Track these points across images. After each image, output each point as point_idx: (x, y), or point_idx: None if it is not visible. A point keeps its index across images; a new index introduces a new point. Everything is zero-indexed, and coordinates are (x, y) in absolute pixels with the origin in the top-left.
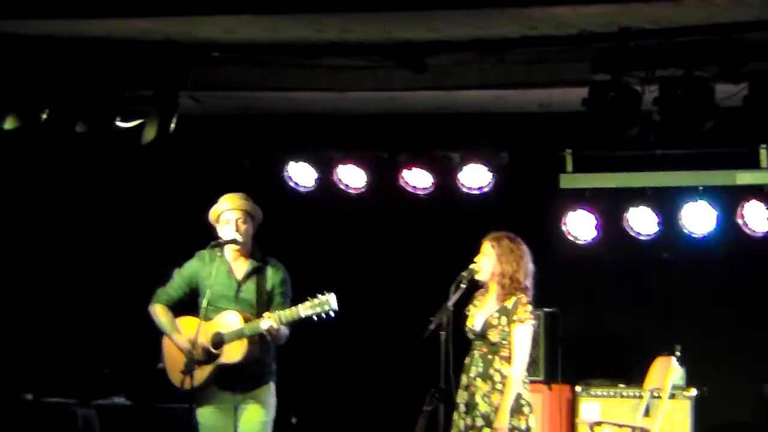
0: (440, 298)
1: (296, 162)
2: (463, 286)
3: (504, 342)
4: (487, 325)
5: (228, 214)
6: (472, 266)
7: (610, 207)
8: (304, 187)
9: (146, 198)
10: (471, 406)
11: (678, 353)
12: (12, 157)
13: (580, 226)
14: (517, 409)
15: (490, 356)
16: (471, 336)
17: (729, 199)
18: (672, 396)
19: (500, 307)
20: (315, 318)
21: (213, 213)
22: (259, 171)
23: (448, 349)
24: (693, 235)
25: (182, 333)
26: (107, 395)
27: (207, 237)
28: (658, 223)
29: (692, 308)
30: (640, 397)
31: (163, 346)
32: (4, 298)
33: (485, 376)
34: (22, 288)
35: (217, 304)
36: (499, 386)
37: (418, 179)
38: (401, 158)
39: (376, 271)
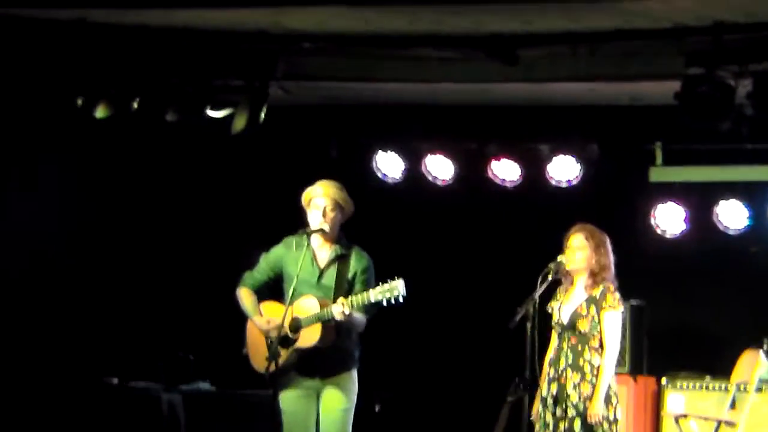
0: (527, 289)
1: (384, 152)
2: (550, 277)
3: (594, 332)
4: (576, 316)
5: (318, 200)
6: (560, 258)
7: (699, 201)
8: (392, 177)
9: (235, 187)
10: (560, 398)
11: (766, 347)
12: (104, 145)
13: (669, 219)
14: (606, 398)
15: (579, 347)
16: (558, 330)
17: None
18: (759, 389)
19: (588, 296)
20: (384, 303)
21: (305, 196)
22: (347, 161)
23: (534, 339)
24: None
25: (264, 317)
26: (192, 381)
27: (293, 225)
28: (748, 218)
29: None
30: (727, 390)
31: (246, 331)
32: (93, 284)
33: (575, 367)
34: (111, 274)
35: (300, 290)
36: (589, 377)
37: (506, 171)
38: (490, 149)
39: (463, 262)
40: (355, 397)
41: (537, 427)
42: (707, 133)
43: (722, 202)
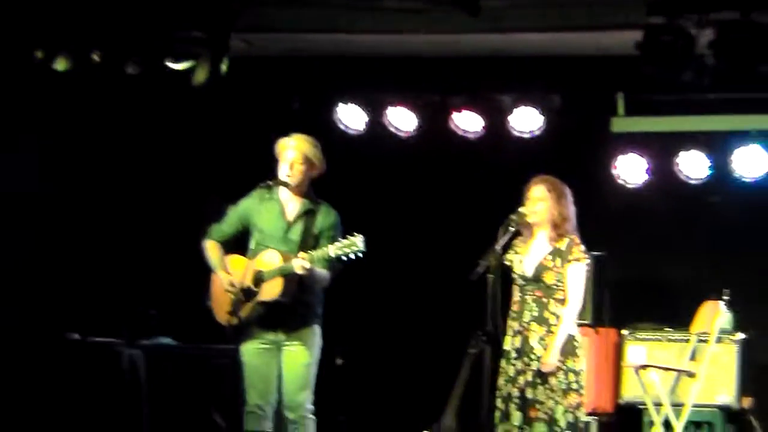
0: (489, 241)
1: (346, 104)
2: (512, 229)
3: (559, 284)
4: (541, 268)
5: (289, 153)
6: (521, 210)
7: (661, 151)
8: (354, 129)
9: (197, 139)
10: (524, 351)
11: (726, 297)
12: (64, 98)
13: (631, 169)
14: (571, 351)
15: (545, 299)
16: (521, 282)
17: None
18: (719, 340)
19: (553, 249)
20: (344, 258)
21: (278, 147)
22: (309, 113)
23: (496, 292)
24: (744, 180)
25: (230, 270)
26: (153, 335)
27: (255, 178)
28: (710, 167)
29: (741, 252)
30: (687, 341)
31: (211, 284)
32: (52, 238)
33: (540, 320)
34: (70, 228)
35: (266, 244)
36: (554, 329)
37: (469, 122)
38: (452, 101)
39: (425, 213)
40: (319, 351)
41: (500, 381)
42: (669, 83)
43: (684, 153)
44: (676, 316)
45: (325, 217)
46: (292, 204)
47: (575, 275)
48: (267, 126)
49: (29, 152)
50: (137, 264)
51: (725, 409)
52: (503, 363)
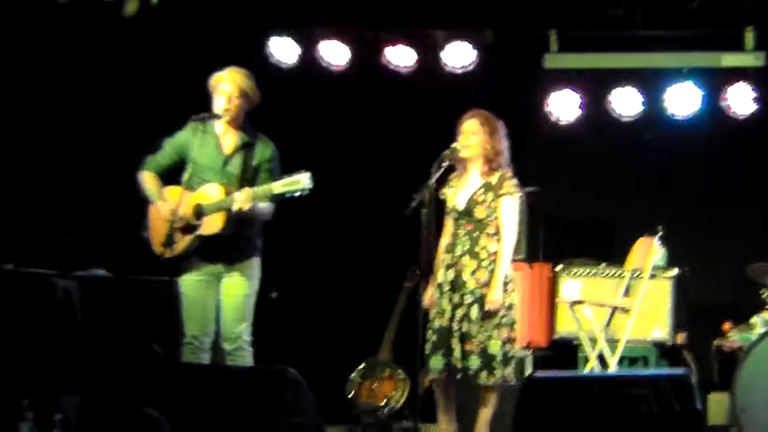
0: (423, 176)
1: (279, 37)
2: (445, 164)
3: (490, 218)
4: (472, 203)
5: (224, 85)
6: (454, 145)
7: (594, 88)
8: (286, 63)
9: (128, 71)
10: (457, 285)
11: (659, 233)
12: None
13: (564, 106)
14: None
15: (476, 234)
16: (454, 215)
17: (714, 81)
18: (653, 276)
19: (485, 183)
20: (288, 196)
21: (212, 80)
22: (241, 46)
23: (430, 226)
24: (676, 117)
25: (167, 202)
26: (87, 267)
27: (188, 111)
28: (642, 104)
29: (674, 189)
30: (621, 276)
31: (148, 214)
32: None
33: (472, 254)
34: (3, 159)
35: (203, 176)
36: (485, 263)
37: (401, 57)
38: (385, 36)
39: (358, 148)
40: (257, 283)
41: (432, 313)
42: (601, 20)
43: (616, 89)
44: (611, 251)
45: (263, 150)
46: (228, 137)
47: (507, 209)
48: (199, 59)
49: None
50: (70, 195)
51: (659, 345)
52: (437, 295)
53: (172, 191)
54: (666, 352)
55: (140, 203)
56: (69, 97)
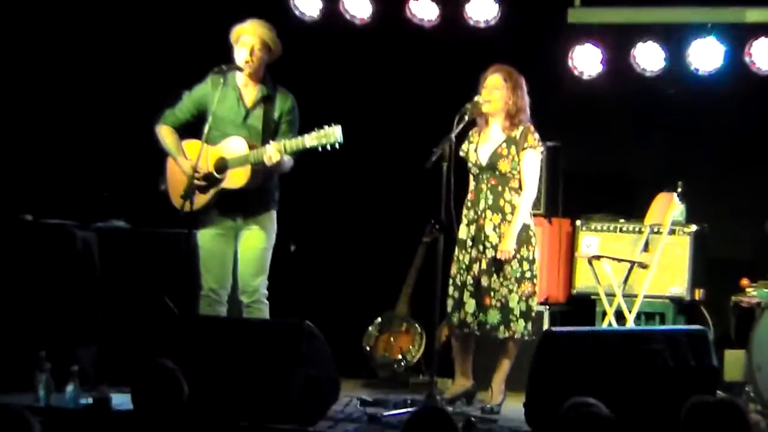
0: (444, 130)
1: None
2: (466, 118)
3: (514, 172)
4: (495, 157)
5: (246, 38)
6: (476, 98)
7: (617, 42)
8: (310, 16)
9: (148, 23)
10: (479, 239)
11: (679, 189)
12: None
13: (587, 60)
14: (526, 239)
15: (500, 188)
16: (476, 171)
17: (737, 37)
18: (672, 232)
19: (507, 137)
20: (320, 149)
21: (234, 33)
22: None
23: (450, 180)
24: (699, 72)
25: (187, 156)
26: (106, 218)
27: (208, 62)
28: (665, 59)
29: (696, 145)
30: (640, 232)
31: (166, 168)
32: (4, 120)
33: (495, 208)
34: (22, 112)
35: (224, 130)
36: (509, 217)
37: (424, 10)
38: None
39: (380, 102)
40: (274, 236)
41: (453, 269)
42: None
43: (639, 44)
44: (630, 207)
45: (283, 102)
46: (249, 90)
47: (530, 162)
48: (220, 10)
49: None
50: (89, 146)
51: (677, 301)
52: (457, 251)
53: (191, 145)
54: (683, 308)
55: (159, 156)
56: (88, 49)
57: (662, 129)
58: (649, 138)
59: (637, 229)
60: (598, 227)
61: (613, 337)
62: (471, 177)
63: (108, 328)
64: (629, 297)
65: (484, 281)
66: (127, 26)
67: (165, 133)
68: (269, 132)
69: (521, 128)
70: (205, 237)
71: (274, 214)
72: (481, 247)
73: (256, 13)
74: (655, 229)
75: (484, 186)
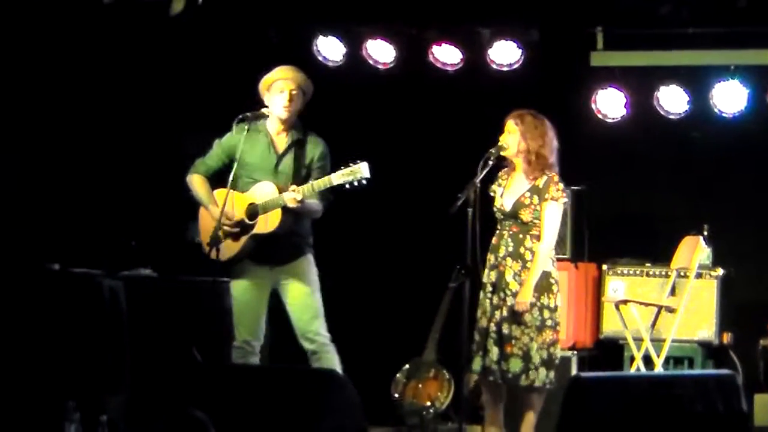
0: (468, 175)
1: (325, 36)
2: (490, 162)
3: (536, 221)
4: (518, 205)
5: (281, 83)
6: (500, 143)
7: (640, 85)
8: (333, 61)
9: (174, 71)
10: (500, 286)
11: (706, 233)
12: (39, 28)
13: (610, 104)
14: (546, 287)
15: (521, 236)
16: (500, 216)
17: (761, 79)
18: (699, 275)
19: (531, 186)
20: (347, 186)
21: (266, 81)
22: (287, 45)
23: (475, 225)
24: (723, 115)
25: (218, 205)
26: (133, 267)
27: (234, 109)
28: (689, 102)
29: (721, 188)
30: (667, 276)
31: (199, 218)
32: (33, 167)
33: (516, 255)
34: (51, 160)
35: (254, 176)
36: (529, 265)
37: (447, 55)
38: (430, 34)
39: (404, 147)
40: (317, 278)
41: (478, 314)
42: (648, 17)
43: (663, 87)
44: (656, 250)
45: (314, 148)
46: (281, 136)
47: (550, 214)
48: (245, 59)
49: (3, 83)
50: (117, 195)
51: (705, 345)
52: (481, 295)
53: (222, 194)
54: (712, 352)
55: (186, 205)
56: (115, 97)
57: (687, 172)
58: (674, 181)
59: (663, 273)
60: (625, 271)
61: (641, 383)
62: (497, 220)
63: (137, 377)
64: (657, 341)
65: (505, 329)
66: (154, 73)
67: (196, 182)
68: (300, 178)
69: (545, 177)
70: (239, 288)
71: (310, 257)
72: (501, 294)
73: (280, 60)
74: (682, 273)
75: (506, 233)
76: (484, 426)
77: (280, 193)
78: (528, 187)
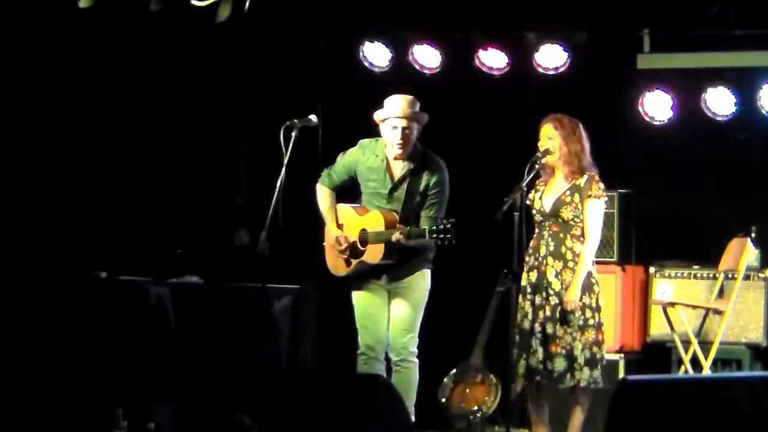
0: (514, 180)
1: (371, 42)
2: (537, 166)
3: (576, 220)
4: (559, 204)
5: (394, 121)
6: (544, 147)
7: (687, 87)
8: (379, 67)
9: (221, 77)
10: (540, 287)
11: (753, 234)
12: (87, 36)
13: (657, 106)
14: (588, 286)
15: (561, 235)
16: (539, 218)
17: None
18: (747, 277)
19: (571, 185)
20: (437, 243)
21: (378, 116)
22: (334, 51)
23: (522, 230)
24: None
25: (338, 223)
26: (180, 274)
27: (283, 117)
28: (736, 104)
29: None
30: (715, 278)
31: (325, 231)
32: (82, 177)
33: (557, 255)
34: (98, 167)
35: (371, 200)
36: (571, 264)
37: (493, 59)
38: (476, 38)
39: (451, 152)
40: (426, 294)
41: (518, 318)
42: (695, 19)
43: (710, 89)
44: (704, 253)
45: (429, 176)
46: (397, 161)
47: (593, 212)
48: (293, 65)
49: (53, 89)
50: (163, 202)
51: (753, 347)
52: (520, 299)
53: (343, 212)
54: (760, 354)
55: (234, 210)
56: (163, 103)
57: (734, 174)
58: (722, 183)
59: (711, 275)
60: (672, 274)
61: (689, 385)
62: (535, 224)
63: (183, 385)
64: (705, 344)
65: (549, 329)
66: (201, 80)
67: (321, 195)
68: (412, 206)
69: (586, 176)
70: (357, 297)
71: (427, 273)
72: (544, 294)
73: (327, 66)
74: (730, 275)
75: (546, 233)
76: (531, 427)
77: (386, 227)
78: (568, 187)
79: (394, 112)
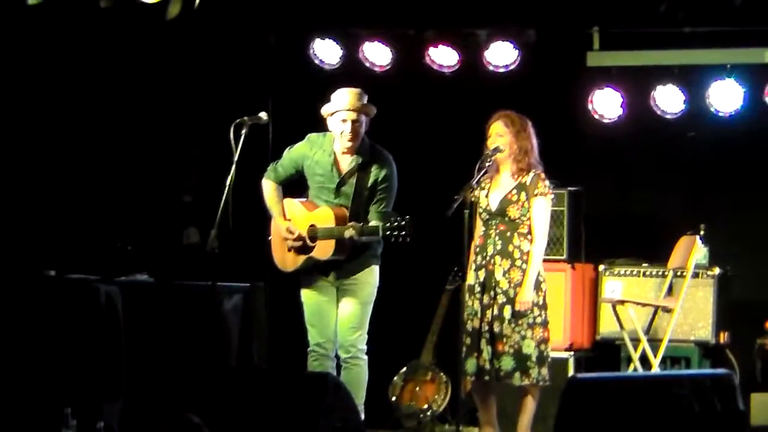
0: (465, 177)
1: (322, 39)
2: (488, 164)
3: (523, 218)
4: (505, 202)
5: (343, 114)
6: (495, 145)
7: (636, 85)
8: (330, 64)
9: (171, 75)
10: (488, 285)
11: (702, 232)
12: (35, 32)
13: (607, 104)
14: (536, 285)
15: (509, 233)
16: (486, 216)
17: (757, 78)
18: (695, 275)
19: (517, 183)
20: (392, 240)
21: (326, 110)
22: (285, 48)
23: (472, 227)
24: (720, 114)
25: (285, 218)
26: (130, 272)
27: (233, 114)
28: (685, 102)
29: (717, 187)
30: (664, 276)
31: (271, 225)
32: (28, 174)
33: (504, 253)
34: (46, 164)
35: (320, 195)
36: (518, 262)
37: (444, 57)
38: (427, 36)
39: (400, 149)
40: (374, 291)
41: (464, 316)
42: (644, 17)
43: (659, 87)
44: (653, 251)
45: (378, 170)
46: (344, 156)
47: (540, 210)
48: (242, 61)
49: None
50: (113, 200)
51: (702, 344)
52: (467, 298)
53: (290, 206)
54: (709, 351)
55: (184, 208)
56: (111, 101)
57: (683, 171)
58: (671, 181)
59: (660, 273)
60: (622, 272)
61: (638, 383)
62: (480, 222)
63: (133, 384)
64: (654, 341)
65: (497, 327)
66: (149, 77)
67: (267, 189)
68: (361, 201)
69: (532, 174)
70: (307, 294)
71: (375, 269)
72: (492, 293)
73: (277, 63)
74: (679, 273)
75: (492, 231)
76: (480, 427)
77: (337, 224)
78: (514, 185)
79: (342, 105)
